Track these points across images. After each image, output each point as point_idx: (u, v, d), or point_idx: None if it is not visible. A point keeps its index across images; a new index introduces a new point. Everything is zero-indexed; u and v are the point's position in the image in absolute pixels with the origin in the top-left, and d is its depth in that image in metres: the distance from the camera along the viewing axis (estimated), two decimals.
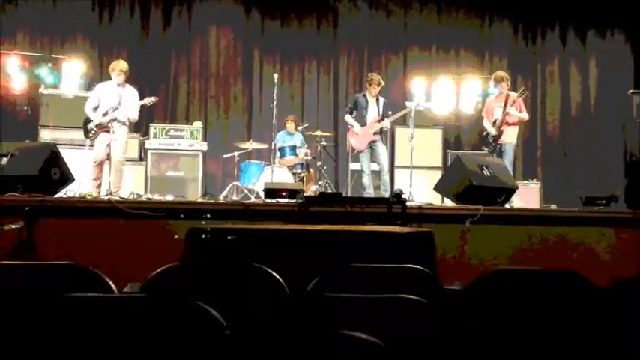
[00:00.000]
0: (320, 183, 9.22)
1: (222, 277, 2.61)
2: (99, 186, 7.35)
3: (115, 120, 7.47)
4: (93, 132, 7.58)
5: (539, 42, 11.13)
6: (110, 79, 7.73)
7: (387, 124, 8.29)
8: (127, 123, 7.68)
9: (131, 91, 7.74)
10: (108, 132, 7.46)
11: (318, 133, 9.53)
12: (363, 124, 8.29)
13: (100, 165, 7.53)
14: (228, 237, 3.55)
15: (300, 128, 9.68)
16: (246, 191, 8.60)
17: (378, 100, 8.37)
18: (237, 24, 10.94)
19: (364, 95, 8.45)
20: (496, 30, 11.13)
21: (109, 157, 7.49)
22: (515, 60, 11.04)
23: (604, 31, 10.96)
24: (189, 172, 9.10)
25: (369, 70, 10.32)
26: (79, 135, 8.13)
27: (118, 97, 7.56)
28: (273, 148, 8.74)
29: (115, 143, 7.46)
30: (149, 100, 7.70)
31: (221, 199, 8.24)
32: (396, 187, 8.72)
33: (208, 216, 5.49)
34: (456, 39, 11.13)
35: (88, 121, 7.64)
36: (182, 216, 5.51)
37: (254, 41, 10.99)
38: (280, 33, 11.03)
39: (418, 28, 11.13)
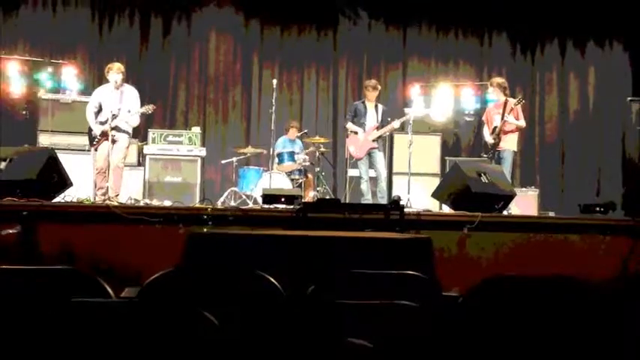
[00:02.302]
0: (318, 189, 9.21)
1: (220, 282, 2.61)
2: (104, 194, 7.23)
3: (116, 128, 7.44)
4: (97, 140, 7.56)
5: (537, 53, 11.15)
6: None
7: (385, 131, 8.29)
8: (130, 130, 7.66)
9: (131, 92, 7.68)
10: (109, 140, 7.44)
11: (317, 139, 9.54)
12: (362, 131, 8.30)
13: (102, 173, 7.45)
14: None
15: (298, 134, 9.68)
16: (244, 197, 8.60)
17: (377, 107, 8.37)
18: (236, 32, 10.95)
19: (363, 102, 8.46)
20: (495, 43, 11.16)
21: (109, 164, 7.46)
22: (514, 69, 11.06)
23: (603, 41, 10.99)
24: (188, 178, 9.08)
25: (368, 77, 10.31)
26: (77, 140, 8.13)
27: (118, 101, 7.51)
28: (271, 153, 8.74)
29: (115, 149, 7.43)
30: (147, 109, 7.64)
31: (219, 204, 8.22)
32: (394, 193, 8.72)
33: (210, 223, 5.51)
34: (454, 51, 11.18)
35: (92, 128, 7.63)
36: (180, 222, 5.51)
37: (253, 48, 11.00)
38: (280, 40, 11.04)
39: (417, 42, 11.18)
